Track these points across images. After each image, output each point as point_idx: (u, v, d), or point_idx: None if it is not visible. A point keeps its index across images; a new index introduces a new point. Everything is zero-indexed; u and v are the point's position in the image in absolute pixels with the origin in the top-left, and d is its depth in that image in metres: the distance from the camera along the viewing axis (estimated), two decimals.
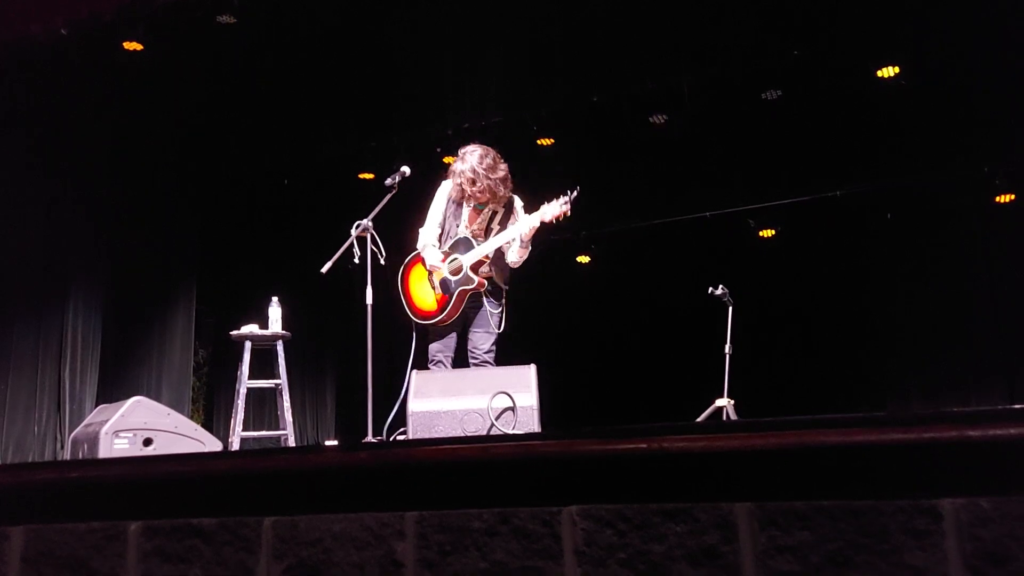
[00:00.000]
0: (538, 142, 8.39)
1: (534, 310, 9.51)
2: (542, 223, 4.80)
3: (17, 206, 7.57)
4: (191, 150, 9.01)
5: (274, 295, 6.09)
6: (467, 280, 4.83)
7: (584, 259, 9.54)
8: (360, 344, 4.86)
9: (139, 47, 7.18)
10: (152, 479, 1.94)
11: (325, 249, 4.92)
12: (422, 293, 4.96)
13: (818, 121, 7.83)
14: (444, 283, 4.89)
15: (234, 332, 6.00)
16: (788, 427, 1.50)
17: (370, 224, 4.86)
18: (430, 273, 4.95)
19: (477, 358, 4.84)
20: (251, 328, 5.97)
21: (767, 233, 8.59)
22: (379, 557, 1.66)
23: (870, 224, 8.20)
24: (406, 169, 5.09)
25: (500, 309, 4.91)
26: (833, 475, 1.47)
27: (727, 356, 6.40)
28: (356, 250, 4.88)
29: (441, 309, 4.87)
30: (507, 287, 5.00)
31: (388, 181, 5.04)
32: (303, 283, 7.28)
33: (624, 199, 8.84)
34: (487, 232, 4.96)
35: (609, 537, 1.53)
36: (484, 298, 4.88)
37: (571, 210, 4.80)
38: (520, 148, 8.40)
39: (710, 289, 6.52)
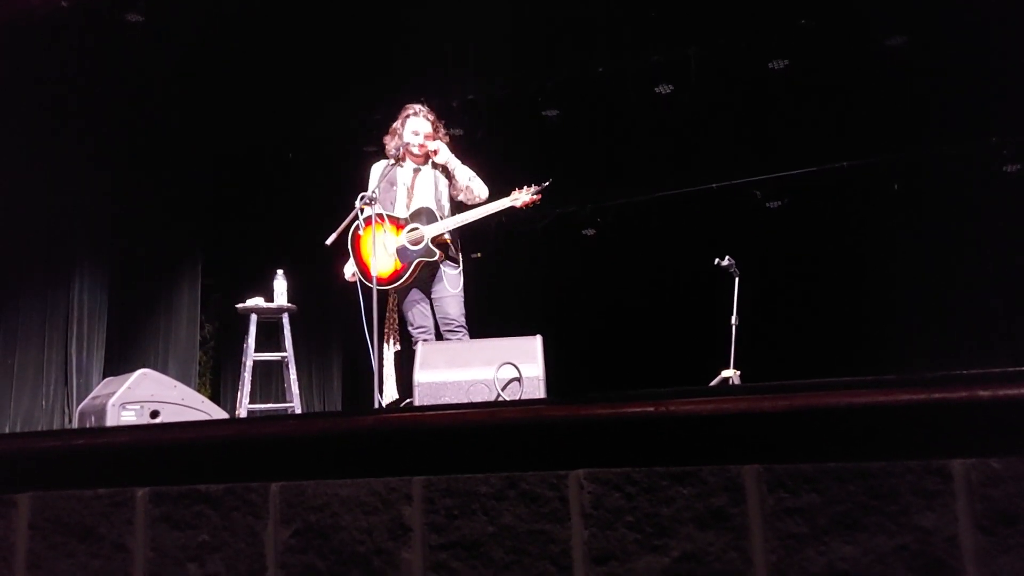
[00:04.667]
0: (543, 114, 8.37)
1: (541, 282, 9.53)
2: (511, 208, 4.89)
3: (21, 181, 7.55)
4: (195, 123, 8.98)
5: (279, 268, 6.10)
6: (428, 252, 4.86)
7: (590, 231, 9.52)
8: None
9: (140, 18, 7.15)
10: (159, 446, 1.94)
11: (330, 222, 4.92)
12: (376, 258, 4.93)
13: (825, 91, 7.78)
14: (402, 251, 4.89)
15: (240, 305, 6.01)
16: (797, 389, 1.50)
17: (375, 196, 4.85)
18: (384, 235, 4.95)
19: (450, 326, 4.85)
20: (256, 301, 5.98)
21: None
22: (387, 521, 1.66)
23: (877, 195, 8.17)
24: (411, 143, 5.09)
25: (458, 270, 4.93)
26: (842, 437, 1.46)
27: (733, 327, 6.40)
28: (361, 222, 4.88)
29: (397, 276, 4.88)
30: (459, 251, 5.05)
31: (392, 152, 5.05)
32: (308, 256, 7.27)
33: (630, 171, 8.82)
34: (431, 193, 5.01)
35: (617, 500, 1.53)
36: (441, 264, 4.90)
37: (540, 199, 4.95)
38: (526, 120, 8.39)
39: (716, 260, 6.51)
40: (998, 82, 7.07)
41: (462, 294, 4.92)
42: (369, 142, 8.72)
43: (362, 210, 4.78)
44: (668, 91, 8.10)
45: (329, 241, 4.83)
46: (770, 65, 7.68)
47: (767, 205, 8.67)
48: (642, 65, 7.87)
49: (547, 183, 4.89)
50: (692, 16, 7.38)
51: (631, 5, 7.31)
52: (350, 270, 4.97)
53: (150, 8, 7.10)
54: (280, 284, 5.99)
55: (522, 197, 4.88)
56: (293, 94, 8.56)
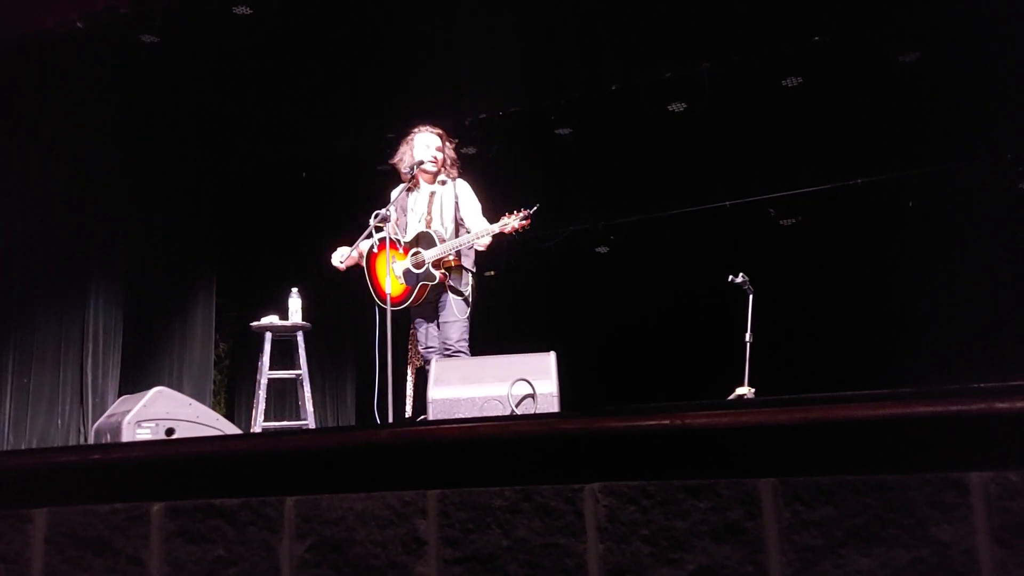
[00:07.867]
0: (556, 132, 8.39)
1: (554, 299, 9.53)
2: (501, 234, 4.90)
3: (34, 202, 7.60)
4: (209, 143, 9.03)
5: (293, 286, 6.11)
6: (428, 276, 4.91)
7: (603, 249, 9.52)
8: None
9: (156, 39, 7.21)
10: (174, 460, 1.94)
11: (344, 240, 4.94)
12: (387, 278, 4.99)
13: (839, 108, 7.77)
14: (407, 274, 4.94)
15: (254, 324, 6.02)
16: (813, 402, 1.49)
17: (388, 214, 4.87)
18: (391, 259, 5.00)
19: (450, 350, 4.89)
20: (271, 319, 5.99)
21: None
22: (402, 535, 1.66)
23: (891, 212, 8.14)
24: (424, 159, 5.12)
25: (463, 296, 4.96)
26: (859, 450, 1.45)
27: (747, 344, 6.37)
28: (375, 243, 4.91)
29: (404, 298, 4.93)
30: (473, 270, 5.06)
31: (405, 171, 5.07)
32: (322, 274, 7.28)
33: (643, 188, 8.82)
34: (440, 215, 5.06)
35: (632, 513, 1.53)
36: (447, 289, 4.94)
37: (530, 225, 4.93)
38: (538, 138, 8.40)
39: (730, 277, 6.49)
40: (1012, 98, 7.04)
41: (467, 322, 4.96)
42: (382, 160, 8.75)
43: (377, 228, 4.82)
44: (681, 108, 8.09)
45: (343, 260, 4.85)
46: (784, 82, 7.67)
47: (781, 222, 8.65)
48: (655, 83, 7.86)
49: (534, 208, 4.90)
50: (705, 33, 7.38)
51: (643, 23, 7.32)
52: (338, 258, 5.02)
53: (165, 29, 7.15)
54: (295, 302, 6.00)
55: (511, 223, 4.88)
56: (306, 113, 8.60)
